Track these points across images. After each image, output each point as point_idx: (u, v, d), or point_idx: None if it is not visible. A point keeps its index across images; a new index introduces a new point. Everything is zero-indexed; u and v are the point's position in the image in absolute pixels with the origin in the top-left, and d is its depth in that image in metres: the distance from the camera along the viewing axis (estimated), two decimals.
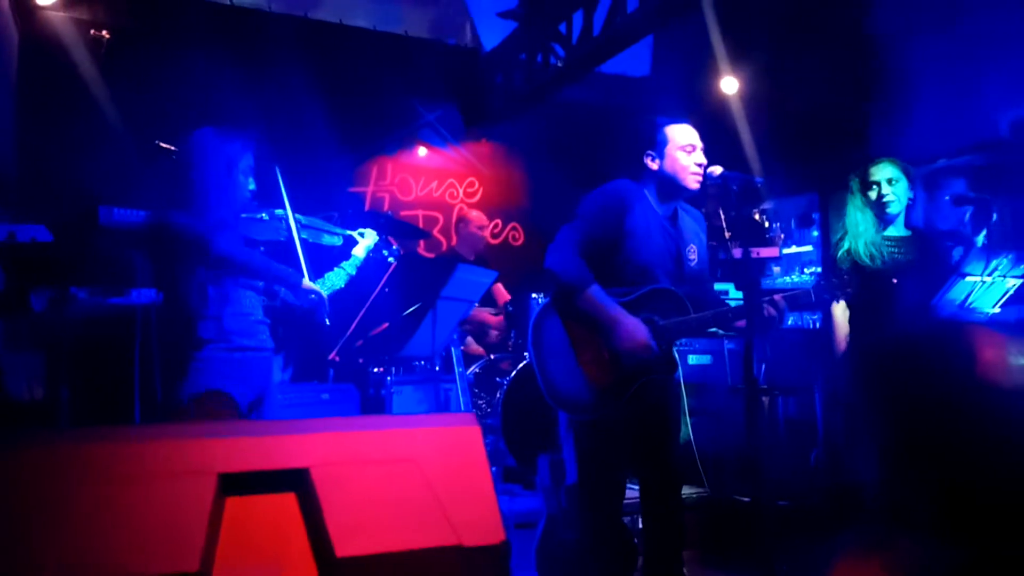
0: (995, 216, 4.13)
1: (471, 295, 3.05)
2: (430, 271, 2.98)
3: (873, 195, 3.18)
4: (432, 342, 2.83)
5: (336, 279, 3.01)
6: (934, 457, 0.88)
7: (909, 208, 3.23)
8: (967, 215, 4.17)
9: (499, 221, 6.21)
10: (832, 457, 4.02)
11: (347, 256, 3.05)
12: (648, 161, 2.83)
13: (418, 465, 1.54)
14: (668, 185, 2.83)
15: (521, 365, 4.16)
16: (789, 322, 5.00)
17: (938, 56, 4.33)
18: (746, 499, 3.88)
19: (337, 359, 3.12)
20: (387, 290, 2.83)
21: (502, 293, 4.94)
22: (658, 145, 2.82)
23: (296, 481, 1.46)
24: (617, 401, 2.70)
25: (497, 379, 4.25)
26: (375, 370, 4.12)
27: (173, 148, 2.99)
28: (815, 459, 4.10)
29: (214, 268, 2.70)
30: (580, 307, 2.71)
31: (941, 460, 0.87)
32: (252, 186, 2.83)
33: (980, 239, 3.71)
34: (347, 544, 1.38)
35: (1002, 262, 2.90)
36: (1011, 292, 2.97)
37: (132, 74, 4.78)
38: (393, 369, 3.84)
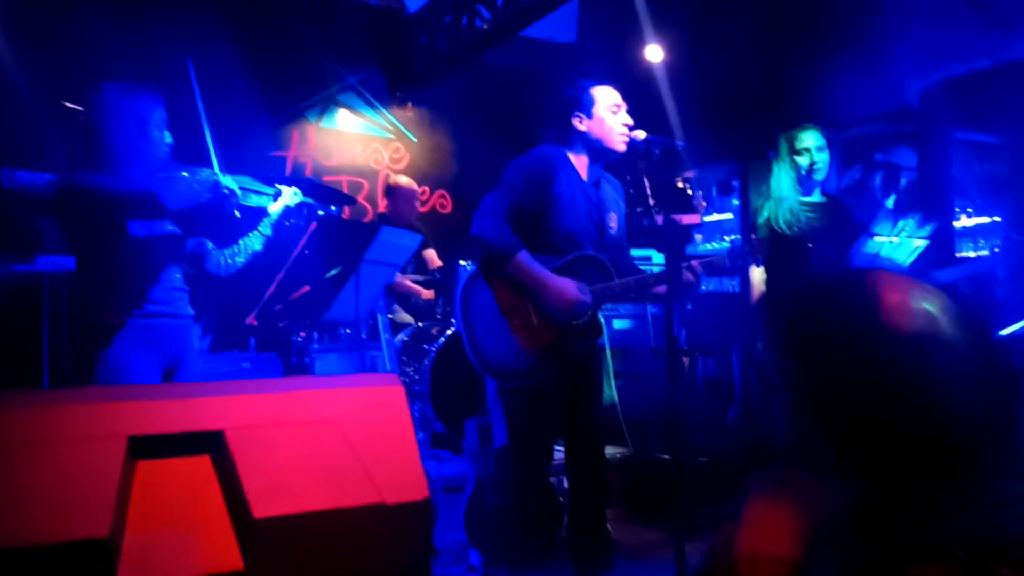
0: (903, 181, 4.33)
1: (396, 259, 3.00)
2: (353, 233, 2.90)
3: (804, 161, 3.24)
4: (356, 307, 2.77)
5: (253, 242, 2.91)
6: (838, 399, 0.90)
7: (827, 175, 3.33)
8: (877, 180, 4.35)
9: (427, 189, 6.13)
10: (748, 415, 4.18)
11: (263, 215, 2.93)
12: (576, 123, 2.82)
13: (339, 425, 1.52)
14: (595, 147, 2.83)
15: (449, 332, 4.14)
16: (709, 287, 5.14)
17: (854, 26, 4.45)
18: (667, 457, 3.99)
19: (255, 323, 3.04)
20: (307, 252, 2.75)
21: (433, 259, 4.90)
22: (585, 105, 2.81)
23: (210, 444, 1.42)
24: (545, 367, 2.73)
25: (425, 346, 4.22)
26: (298, 338, 4.04)
27: (80, 108, 2.83)
28: (733, 417, 4.25)
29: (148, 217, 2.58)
30: (509, 273, 2.71)
31: (845, 402, 0.89)
32: (169, 139, 2.72)
33: (889, 202, 3.88)
34: (265, 505, 1.36)
35: (908, 223, 3.04)
36: (918, 252, 3.11)
37: (32, 28, 4.49)
38: (316, 336, 3.76)
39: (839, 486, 0.92)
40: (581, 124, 2.81)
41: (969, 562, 0.81)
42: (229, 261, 2.88)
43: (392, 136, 6.12)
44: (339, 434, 1.51)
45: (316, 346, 3.83)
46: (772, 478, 0.97)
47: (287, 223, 2.97)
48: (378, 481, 1.47)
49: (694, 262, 2.79)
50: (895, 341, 0.86)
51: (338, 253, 2.74)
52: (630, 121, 2.83)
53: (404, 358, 4.25)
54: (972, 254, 4.58)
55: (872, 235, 2.98)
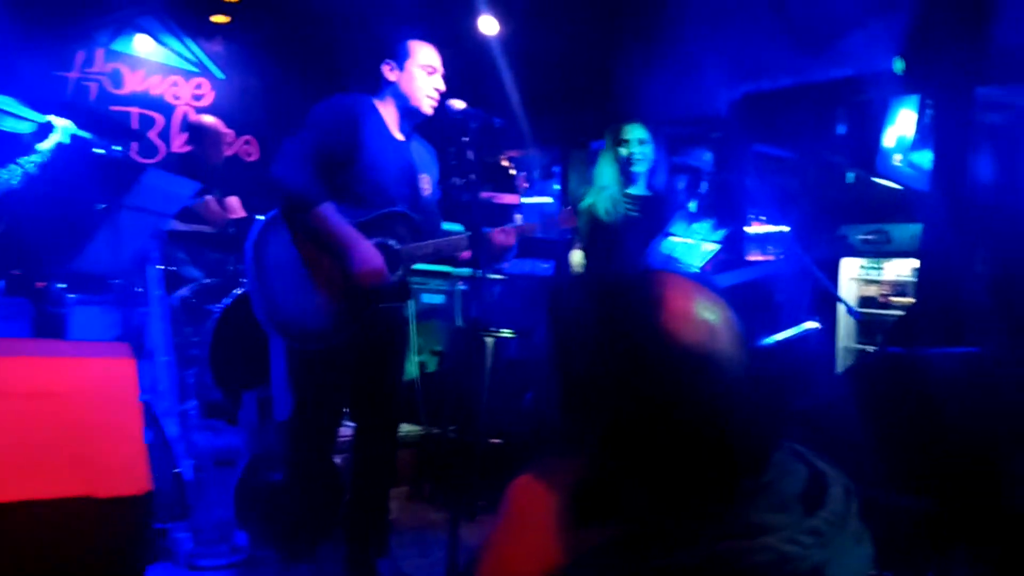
0: (704, 186, 4.56)
1: (165, 207, 2.64)
2: (108, 172, 2.53)
3: (624, 152, 3.36)
4: (113, 258, 2.42)
5: (9, 175, 2.50)
6: (606, 401, 0.85)
7: (652, 170, 3.42)
8: (682, 183, 4.55)
9: (232, 132, 5.63)
10: (545, 397, 4.24)
11: (29, 150, 2.54)
12: (386, 71, 2.67)
13: (49, 402, 1.26)
14: (402, 103, 2.69)
15: (238, 292, 3.82)
16: (523, 270, 5.16)
17: (677, 31, 4.59)
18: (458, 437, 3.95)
19: None
20: (48, 187, 2.37)
21: (236, 209, 4.49)
22: (399, 56, 2.67)
23: None
24: (346, 330, 2.55)
25: (208, 306, 3.86)
26: (59, 285, 3.54)
27: None
28: (529, 400, 4.29)
29: None
30: (311, 225, 2.50)
31: (610, 404, 0.85)
32: None
33: (692, 206, 4.06)
34: None
35: (703, 226, 3.18)
36: (710, 255, 3.26)
37: None
38: (66, 285, 3.28)
39: (600, 473, 0.89)
40: (391, 73, 2.67)
41: None
42: None
43: (196, 70, 5.57)
44: (47, 412, 1.26)
45: (73, 296, 3.36)
46: (540, 464, 0.94)
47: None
48: (91, 469, 1.24)
49: (508, 227, 2.78)
50: (671, 350, 0.82)
51: (89, 193, 2.38)
52: (442, 87, 2.70)
53: (184, 317, 3.86)
54: (760, 257, 4.93)
55: (668, 235, 3.09)
